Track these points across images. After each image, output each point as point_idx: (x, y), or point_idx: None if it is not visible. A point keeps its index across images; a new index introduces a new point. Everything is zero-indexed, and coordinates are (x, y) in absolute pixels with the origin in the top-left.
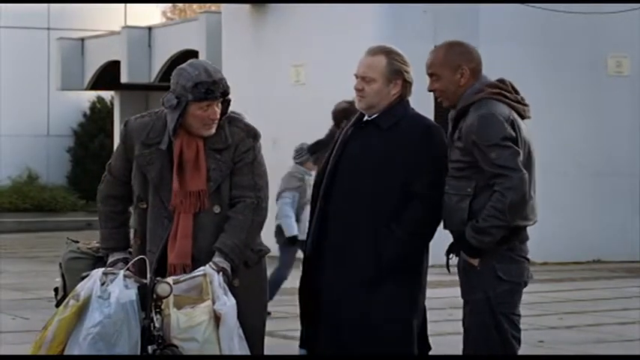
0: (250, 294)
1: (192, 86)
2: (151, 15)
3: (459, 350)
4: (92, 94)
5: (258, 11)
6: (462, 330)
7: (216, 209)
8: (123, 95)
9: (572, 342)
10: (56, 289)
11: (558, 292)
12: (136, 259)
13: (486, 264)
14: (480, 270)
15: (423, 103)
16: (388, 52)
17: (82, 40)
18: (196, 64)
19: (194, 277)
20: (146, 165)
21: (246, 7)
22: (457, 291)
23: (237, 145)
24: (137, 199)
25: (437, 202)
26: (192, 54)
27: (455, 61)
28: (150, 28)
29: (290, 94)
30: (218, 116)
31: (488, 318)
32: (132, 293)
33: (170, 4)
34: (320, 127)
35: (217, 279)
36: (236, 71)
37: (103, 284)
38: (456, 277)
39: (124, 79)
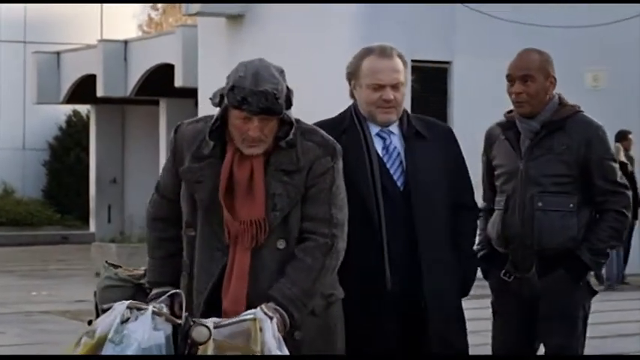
0: (314, 348)
1: (230, 88)
2: (127, 29)
3: None
4: (68, 108)
5: (235, 25)
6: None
7: (281, 244)
8: (99, 109)
9: None
10: (90, 323)
11: None
12: (169, 292)
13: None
14: (581, 286)
15: None
16: (399, 54)
17: (58, 53)
18: (252, 65)
19: (241, 320)
20: (195, 183)
21: (223, 20)
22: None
23: (312, 165)
24: (185, 224)
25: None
26: (169, 68)
27: (547, 68)
28: (126, 42)
29: None
30: (260, 136)
31: (583, 334)
32: (160, 336)
33: (146, 18)
34: None
35: (271, 328)
36: (213, 84)
37: (124, 322)
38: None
39: (100, 92)
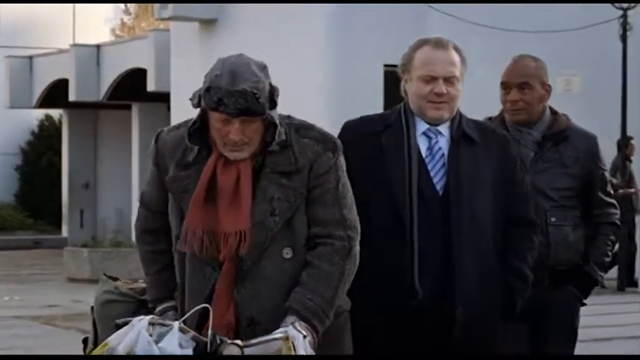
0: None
1: (206, 89)
2: (99, 33)
3: None
4: (41, 113)
5: (207, 29)
6: None
7: (287, 253)
8: (71, 113)
9: None
10: (85, 341)
11: None
12: (197, 307)
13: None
14: (580, 302)
15: None
16: (456, 46)
17: (31, 58)
18: (229, 62)
19: (271, 339)
20: (181, 193)
21: (195, 25)
22: None
23: (313, 163)
24: (175, 238)
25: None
26: (141, 72)
27: (543, 75)
28: (98, 46)
29: None
30: (242, 139)
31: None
32: (189, 354)
33: (119, 22)
34: None
35: (304, 345)
36: (186, 89)
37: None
38: None
39: (72, 97)
